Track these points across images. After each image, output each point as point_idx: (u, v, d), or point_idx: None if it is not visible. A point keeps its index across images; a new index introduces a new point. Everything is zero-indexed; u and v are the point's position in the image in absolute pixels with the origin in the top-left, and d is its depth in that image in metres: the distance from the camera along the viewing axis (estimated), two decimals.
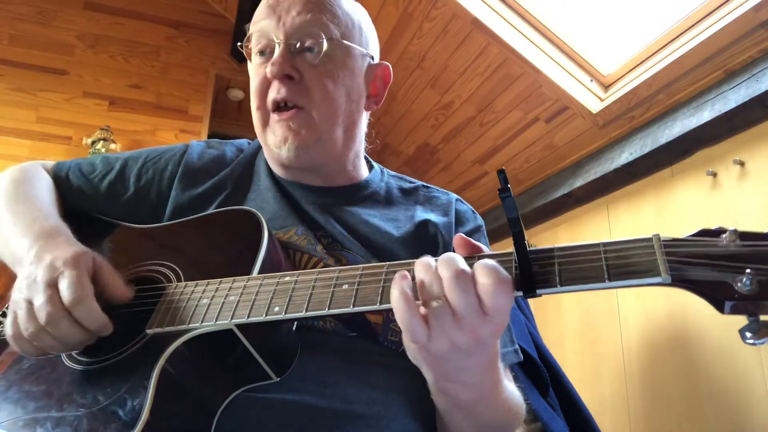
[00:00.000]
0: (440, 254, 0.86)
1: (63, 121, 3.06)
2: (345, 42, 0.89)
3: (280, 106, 0.86)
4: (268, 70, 0.84)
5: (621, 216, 2.08)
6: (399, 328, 0.78)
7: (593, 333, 2.10)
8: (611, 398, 1.95)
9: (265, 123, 0.89)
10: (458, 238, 0.60)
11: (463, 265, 0.54)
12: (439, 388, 0.65)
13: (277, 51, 0.85)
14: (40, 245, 0.73)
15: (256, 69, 0.90)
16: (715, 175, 1.68)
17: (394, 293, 0.54)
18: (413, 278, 0.56)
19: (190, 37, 3.41)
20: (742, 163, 1.60)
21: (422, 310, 0.54)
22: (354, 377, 0.73)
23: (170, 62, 3.34)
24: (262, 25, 0.88)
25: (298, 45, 0.86)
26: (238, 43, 0.94)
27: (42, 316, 0.64)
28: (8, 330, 0.68)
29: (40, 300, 0.65)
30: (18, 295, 0.68)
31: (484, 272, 0.53)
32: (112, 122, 3.09)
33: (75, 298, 0.65)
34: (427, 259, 0.56)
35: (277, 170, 0.94)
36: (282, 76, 0.84)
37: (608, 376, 1.99)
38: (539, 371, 1.19)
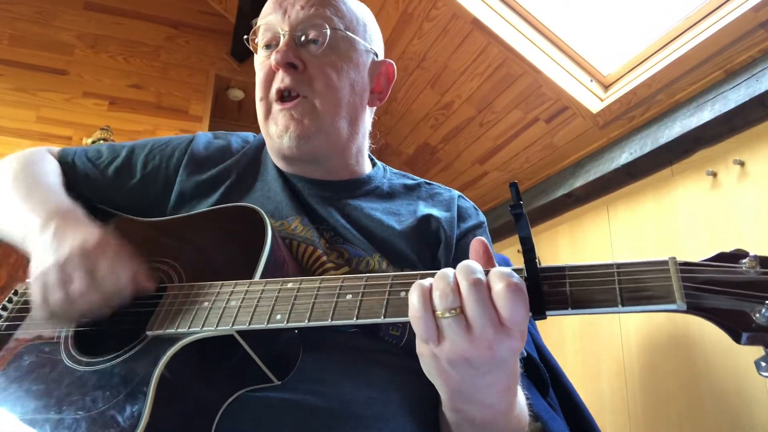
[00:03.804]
0: (442, 249, 0.87)
1: (63, 121, 3.05)
2: (349, 34, 0.91)
3: (283, 96, 0.87)
4: (273, 58, 0.86)
5: (621, 216, 2.08)
6: (401, 322, 0.78)
7: (593, 332, 2.10)
8: (611, 398, 1.95)
9: (268, 113, 0.90)
10: (477, 241, 0.59)
11: (481, 273, 0.52)
12: (452, 406, 0.64)
13: (282, 41, 0.87)
14: (58, 223, 0.74)
15: (261, 62, 0.92)
16: (715, 175, 1.68)
17: (413, 295, 0.53)
18: (431, 286, 0.54)
19: (190, 37, 3.41)
20: (742, 163, 1.60)
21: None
22: (353, 376, 0.73)
23: (170, 62, 3.33)
24: (268, 19, 0.90)
25: (303, 38, 0.88)
26: (245, 36, 0.96)
27: (82, 303, 0.68)
28: (39, 308, 0.71)
29: (79, 286, 0.68)
30: (48, 277, 0.69)
31: (497, 277, 0.51)
32: (112, 122, 3.09)
33: (114, 290, 0.69)
34: (446, 270, 0.54)
35: (280, 163, 0.94)
36: (285, 65, 0.86)
37: (608, 375, 1.99)
38: (539, 371, 1.19)
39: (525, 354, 0.89)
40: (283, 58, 0.85)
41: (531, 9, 2.20)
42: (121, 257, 0.71)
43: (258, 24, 0.92)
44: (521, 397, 0.74)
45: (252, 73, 1.02)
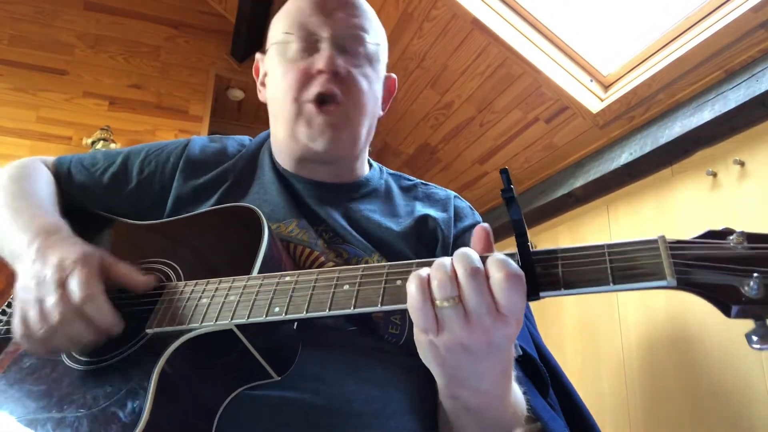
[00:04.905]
0: (439, 248, 0.88)
1: (63, 121, 3.05)
2: (379, 47, 0.94)
3: (322, 100, 0.87)
4: (321, 63, 0.86)
5: (621, 216, 2.08)
6: (400, 320, 0.79)
7: (593, 332, 2.11)
8: (611, 397, 1.95)
9: (299, 114, 0.89)
10: (480, 228, 0.59)
11: (478, 262, 0.53)
12: (449, 393, 0.65)
13: (326, 47, 0.88)
14: (41, 242, 0.74)
15: (291, 62, 0.90)
16: (715, 175, 1.68)
17: (412, 286, 0.54)
18: (428, 277, 0.54)
19: (190, 37, 3.40)
20: (742, 163, 1.60)
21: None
22: (353, 374, 0.73)
23: (170, 62, 3.33)
24: (307, 21, 0.90)
25: (343, 46, 0.89)
26: (271, 34, 0.95)
27: (54, 315, 0.65)
28: (18, 330, 0.68)
29: (51, 300, 0.65)
30: (26, 294, 0.68)
31: (495, 265, 0.52)
32: (112, 122, 3.08)
33: (86, 296, 0.65)
34: (443, 259, 0.55)
35: (288, 162, 0.94)
36: (333, 72, 0.86)
37: (608, 375, 1.99)
38: (539, 371, 1.18)
39: (520, 352, 0.90)
40: (334, 64, 0.86)
41: (531, 9, 2.20)
42: (96, 268, 0.69)
43: (289, 23, 0.91)
44: (516, 387, 0.74)
45: (252, 74, 1.02)
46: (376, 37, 0.93)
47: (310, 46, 0.89)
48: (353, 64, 0.89)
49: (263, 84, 0.99)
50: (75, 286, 0.66)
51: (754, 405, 1.47)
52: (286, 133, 0.91)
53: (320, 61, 0.86)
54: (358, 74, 0.90)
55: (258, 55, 1.01)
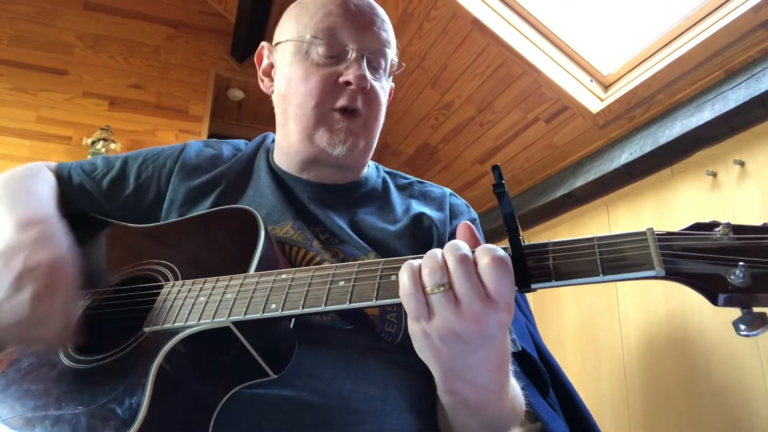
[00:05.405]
0: (435, 247, 0.88)
1: (63, 121, 3.05)
2: (397, 62, 0.97)
3: (347, 110, 0.89)
4: (352, 78, 0.87)
5: (621, 216, 2.08)
6: (396, 319, 0.79)
7: (593, 332, 2.10)
8: (611, 397, 1.95)
9: (322, 121, 0.89)
10: (463, 225, 0.60)
11: (467, 250, 0.54)
12: (446, 387, 0.65)
13: (356, 61, 0.89)
14: (38, 231, 0.74)
15: (314, 65, 0.90)
16: (715, 175, 1.68)
17: (404, 275, 0.55)
18: (420, 266, 0.56)
19: (189, 37, 3.40)
20: (742, 163, 1.60)
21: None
22: (350, 373, 0.73)
23: (170, 62, 3.33)
24: (338, 30, 0.89)
25: (369, 58, 0.90)
26: (287, 27, 0.95)
27: (8, 315, 0.66)
28: None
29: (22, 297, 0.66)
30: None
31: (482, 252, 0.54)
32: (112, 122, 3.08)
33: (43, 321, 0.67)
34: (434, 250, 0.56)
35: (291, 164, 0.95)
36: (362, 88, 0.88)
37: (608, 375, 1.99)
38: (539, 371, 1.19)
39: (519, 348, 0.90)
40: (365, 81, 0.88)
41: (531, 9, 2.20)
42: (74, 297, 0.70)
43: (318, 25, 0.90)
44: (515, 383, 0.75)
45: (252, 74, 1.03)
46: (394, 50, 0.96)
47: (337, 54, 0.89)
48: (374, 78, 0.92)
49: (268, 75, 0.99)
50: (51, 301, 0.67)
51: (754, 405, 1.47)
52: (302, 135, 0.91)
53: (351, 75, 0.87)
54: (378, 87, 0.92)
55: (265, 44, 1.00)
